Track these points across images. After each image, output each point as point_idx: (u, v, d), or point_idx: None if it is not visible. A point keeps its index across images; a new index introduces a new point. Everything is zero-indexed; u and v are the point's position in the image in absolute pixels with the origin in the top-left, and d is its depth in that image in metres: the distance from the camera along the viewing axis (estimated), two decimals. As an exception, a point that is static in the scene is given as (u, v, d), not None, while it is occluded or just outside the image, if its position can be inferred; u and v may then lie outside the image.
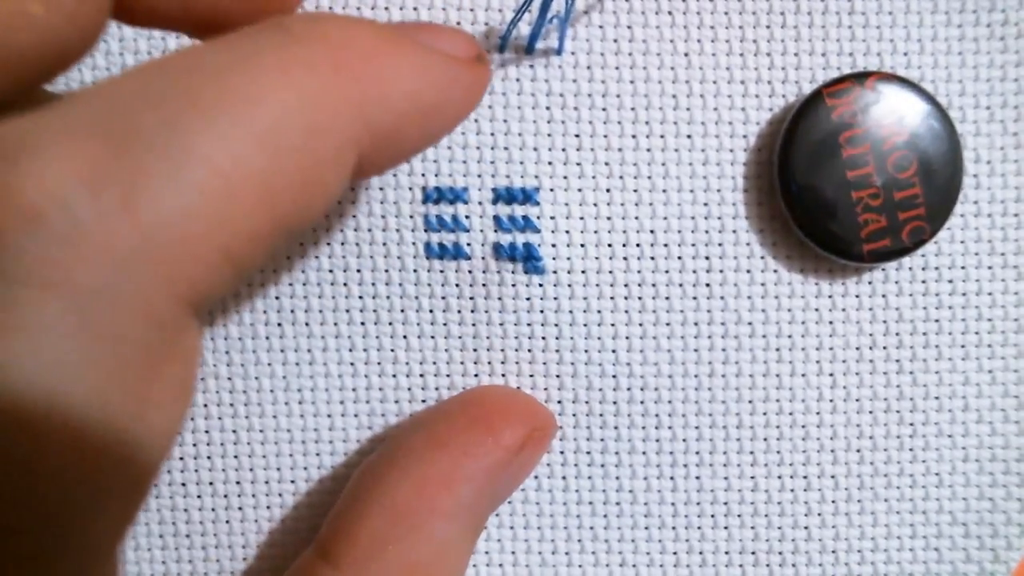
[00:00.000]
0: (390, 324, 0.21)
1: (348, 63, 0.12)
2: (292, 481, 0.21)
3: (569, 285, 0.20)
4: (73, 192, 0.10)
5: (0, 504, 0.09)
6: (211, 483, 0.21)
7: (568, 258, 0.20)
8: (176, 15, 0.14)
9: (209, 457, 0.21)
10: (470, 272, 0.20)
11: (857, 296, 0.21)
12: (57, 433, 0.10)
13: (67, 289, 0.09)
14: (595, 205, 0.20)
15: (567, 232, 0.20)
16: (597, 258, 0.20)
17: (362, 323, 0.21)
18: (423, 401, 0.21)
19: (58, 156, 0.10)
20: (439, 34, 0.14)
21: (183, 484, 0.21)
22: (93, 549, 0.10)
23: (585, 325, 0.21)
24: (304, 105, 0.11)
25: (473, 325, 0.21)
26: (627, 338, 0.21)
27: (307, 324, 0.21)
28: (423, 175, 0.20)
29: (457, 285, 0.20)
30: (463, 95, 0.14)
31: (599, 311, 0.21)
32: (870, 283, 0.21)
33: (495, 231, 0.20)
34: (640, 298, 0.21)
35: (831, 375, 0.21)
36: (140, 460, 0.11)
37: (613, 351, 0.21)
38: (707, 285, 0.21)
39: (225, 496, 0.21)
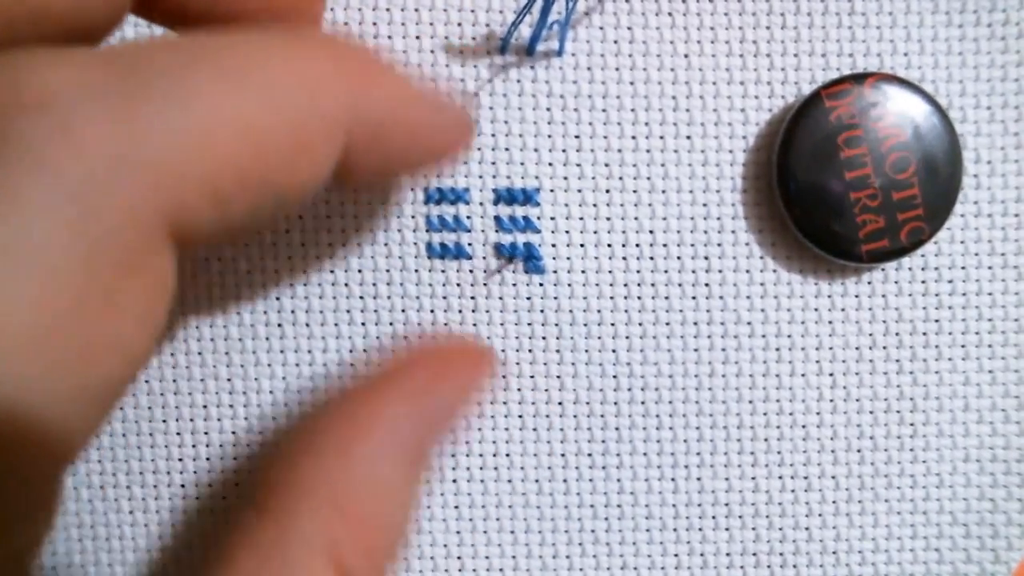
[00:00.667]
0: (391, 324, 0.21)
1: (347, 62, 0.13)
2: (292, 482, 0.21)
3: (569, 285, 0.20)
4: (76, 91, 0.11)
5: None
6: (210, 484, 0.21)
7: (568, 258, 0.20)
8: (198, 14, 0.15)
9: (208, 459, 0.21)
10: (471, 272, 0.20)
11: (856, 296, 0.21)
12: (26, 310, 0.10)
13: (58, 173, 0.10)
14: (595, 206, 0.20)
15: (567, 232, 0.20)
16: (597, 258, 0.20)
17: (362, 323, 0.21)
18: (423, 402, 0.21)
19: (68, 64, 0.11)
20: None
21: (182, 485, 0.21)
22: (41, 465, 0.11)
23: (585, 325, 0.21)
24: (304, 80, 0.12)
25: (474, 325, 0.21)
26: (627, 338, 0.21)
27: (307, 324, 0.21)
28: (424, 176, 0.20)
29: (458, 285, 0.20)
30: (445, 123, 0.16)
31: (599, 311, 0.21)
32: (869, 283, 0.21)
33: (496, 231, 0.20)
34: (640, 298, 0.21)
35: (831, 375, 0.21)
36: (103, 362, 0.11)
37: (613, 351, 0.21)
38: (706, 285, 0.21)
39: (224, 498, 0.21)
